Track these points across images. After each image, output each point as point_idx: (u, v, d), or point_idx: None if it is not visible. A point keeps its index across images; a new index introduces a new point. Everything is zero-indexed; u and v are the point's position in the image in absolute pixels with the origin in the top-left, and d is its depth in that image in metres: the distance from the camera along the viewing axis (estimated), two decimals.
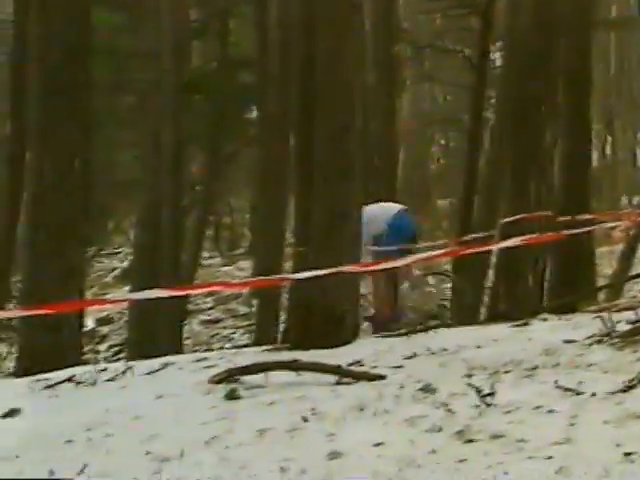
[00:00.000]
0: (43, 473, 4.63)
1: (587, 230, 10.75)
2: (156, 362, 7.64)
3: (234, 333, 17.31)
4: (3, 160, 14.71)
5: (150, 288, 8.71)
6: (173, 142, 13.86)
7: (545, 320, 8.19)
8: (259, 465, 4.49)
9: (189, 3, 15.79)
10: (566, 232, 9.17)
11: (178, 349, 13.04)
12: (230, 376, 6.19)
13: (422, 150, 30.14)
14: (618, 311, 7.66)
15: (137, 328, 14.27)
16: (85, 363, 9.48)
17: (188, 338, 16.14)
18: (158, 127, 14.05)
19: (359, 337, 8.46)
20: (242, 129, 19.94)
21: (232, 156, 20.73)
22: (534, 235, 8.39)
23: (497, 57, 17.80)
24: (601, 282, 14.60)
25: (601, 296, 12.46)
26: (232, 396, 5.84)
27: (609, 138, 29.89)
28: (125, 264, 21.54)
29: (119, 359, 13.13)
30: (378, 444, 4.59)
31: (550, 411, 4.86)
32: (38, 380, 7.10)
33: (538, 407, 4.93)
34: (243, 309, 18.03)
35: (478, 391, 5.29)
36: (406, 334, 8.37)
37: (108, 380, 6.99)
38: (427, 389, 5.49)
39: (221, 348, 14.51)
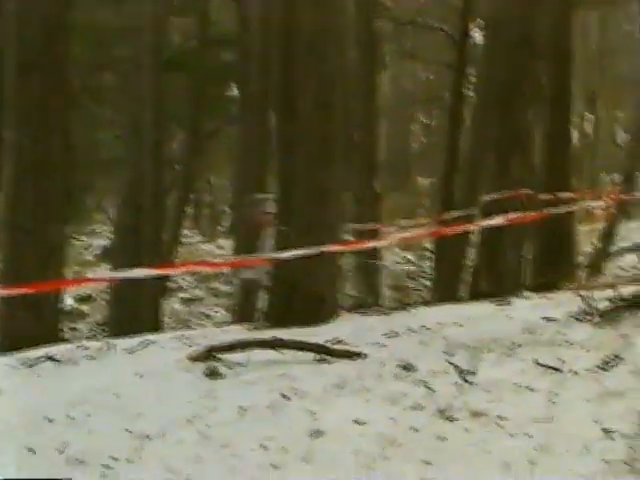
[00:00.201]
0: (24, 452, 4.62)
1: (568, 209, 10.79)
2: (137, 340, 7.63)
3: (216, 312, 17.32)
4: None
5: (131, 267, 8.70)
6: (154, 120, 13.80)
7: (526, 298, 8.22)
8: (240, 443, 4.49)
9: None
10: (548, 211, 9.19)
11: (158, 327, 13.03)
12: (211, 354, 6.18)
13: (403, 128, 30.13)
14: (598, 289, 7.68)
15: (118, 306, 14.25)
16: (65, 341, 9.46)
17: (169, 317, 16.14)
18: (139, 105, 13.99)
19: (339, 316, 8.46)
20: (223, 107, 19.85)
21: (213, 134, 20.66)
22: (517, 214, 8.40)
23: (478, 35, 17.76)
24: (582, 260, 14.68)
25: (582, 274, 12.51)
26: (213, 374, 5.83)
27: (591, 117, 29.96)
28: (105, 242, 21.48)
29: (99, 337, 13.10)
30: (360, 422, 4.60)
31: (531, 389, 4.89)
32: (18, 359, 7.07)
33: (519, 385, 4.95)
34: (224, 287, 18.02)
35: (459, 369, 5.31)
36: (386, 312, 8.37)
37: (89, 358, 6.97)
38: (408, 367, 5.49)
39: (202, 326, 14.53)
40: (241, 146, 16.72)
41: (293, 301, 8.09)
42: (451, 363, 5.45)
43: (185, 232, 22.07)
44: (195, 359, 6.18)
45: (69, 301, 16.78)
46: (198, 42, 19.15)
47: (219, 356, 6.13)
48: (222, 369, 5.90)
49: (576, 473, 3.82)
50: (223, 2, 19.88)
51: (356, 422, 4.59)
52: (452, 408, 4.66)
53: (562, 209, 10.33)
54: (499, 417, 4.49)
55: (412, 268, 21.75)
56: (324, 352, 6.05)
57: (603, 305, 6.62)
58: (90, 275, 15.22)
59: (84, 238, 23.04)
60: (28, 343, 7.95)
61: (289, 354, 6.08)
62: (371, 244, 11.26)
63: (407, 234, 9.07)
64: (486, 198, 9.85)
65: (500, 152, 10.44)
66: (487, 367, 5.32)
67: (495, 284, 9.65)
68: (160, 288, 14.98)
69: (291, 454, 4.32)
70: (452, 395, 4.89)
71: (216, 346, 6.30)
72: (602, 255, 17.53)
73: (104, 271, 17.68)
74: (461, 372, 5.26)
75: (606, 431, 4.20)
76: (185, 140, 19.84)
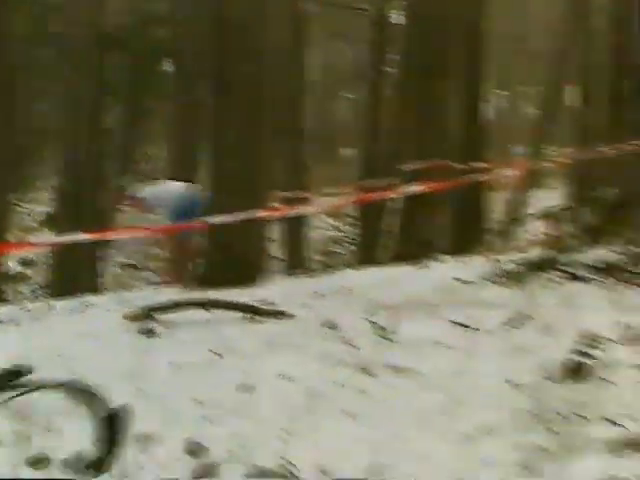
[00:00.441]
0: None
1: (482, 178, 10.89)
2: (77, 302, 7.54)
3: (154, 275, 17.17)
4: None
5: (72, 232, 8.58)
6: (91, 94, 13.61)
7: (442, 262, 8.28)
8: (176, 398, 4.46)
9: None
10: (463, 179, 9.26)
11: (97, 290, 12.90)
12: (147, 314, 6.12)
13: (328, 102, 30.17)
14: (507, 253, 7.78)
15: (58, 269, 14.07)
16: (8, 302, 9.32)
17: (108, 280, 15.97)
18: (77, 78, 13.76)
19: (269, 278, 8.46)
20: (159, 83, 19.56)
21: (149, 110, 20.41)
22: (435, 182, 8.44)
23: (396, 16, 18.01)
24: (494, 226, 14.84)
25: (493, 239, 12.65)
26: (149, 333, 5.79)
27: (505, 93, 30.31)
28: (48, 209, 21.16)
29: (41, 299, 12.92)
30: (288, 377, 4.60)
31: (446, 346, 4.93)
32: None
33: (436, 342, 4.99)
34: (162, 253, 17.86)
35: (380, 328, 5.33)
36: (313, 275, 8.39)
37: (31, 319, 6.87)
38: (333, 326, 5.51)
39: (139, 289, 14.40)
40: (176, 119, 16.62)
41: (226, 264, 8.07)
42: (373, 322, 5.48)
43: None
44: (132, 319, 6.12)
45: (13, 265, 16.56)
46: (133, 19, 18.82)
47: (155, 316, 6.09)
48: (158, 328, 5.85)
49: (486, 422, 3.87)
50: None
51: (284, 377, 4.59)
52: (374, 364, 4.68)
53: (475, 177, 10.42)
54: (417, 372, 4.52)
55: (337, 234, 21.85)
56: (254, 312, 6.04)
57: (511, 267, 6.72)
58: (32, 240, 14.99)
59: (27, 205, 22.67)
60: None
61: (222, 314, 6.06)
62: (299, 211, 11.26)
63: (333, 201, 9.05)
64: (406, 167, 9.88)
65: (419, 125, 10.50)
66: (406, 326, 5.35)
67: (414, 248, 9.71)
68: (99, 252, 14.83)
69: (223, 407, 4.30)
70: (374, 352, 4.91)
71: (152, 306, 6.25)
72: (511, 221, 17.81)
73: (46, 236, 17.44)
74: (382, 330, 5.29)
75: (514, 384, 4.25)
76: (122, 112, 19.56)
